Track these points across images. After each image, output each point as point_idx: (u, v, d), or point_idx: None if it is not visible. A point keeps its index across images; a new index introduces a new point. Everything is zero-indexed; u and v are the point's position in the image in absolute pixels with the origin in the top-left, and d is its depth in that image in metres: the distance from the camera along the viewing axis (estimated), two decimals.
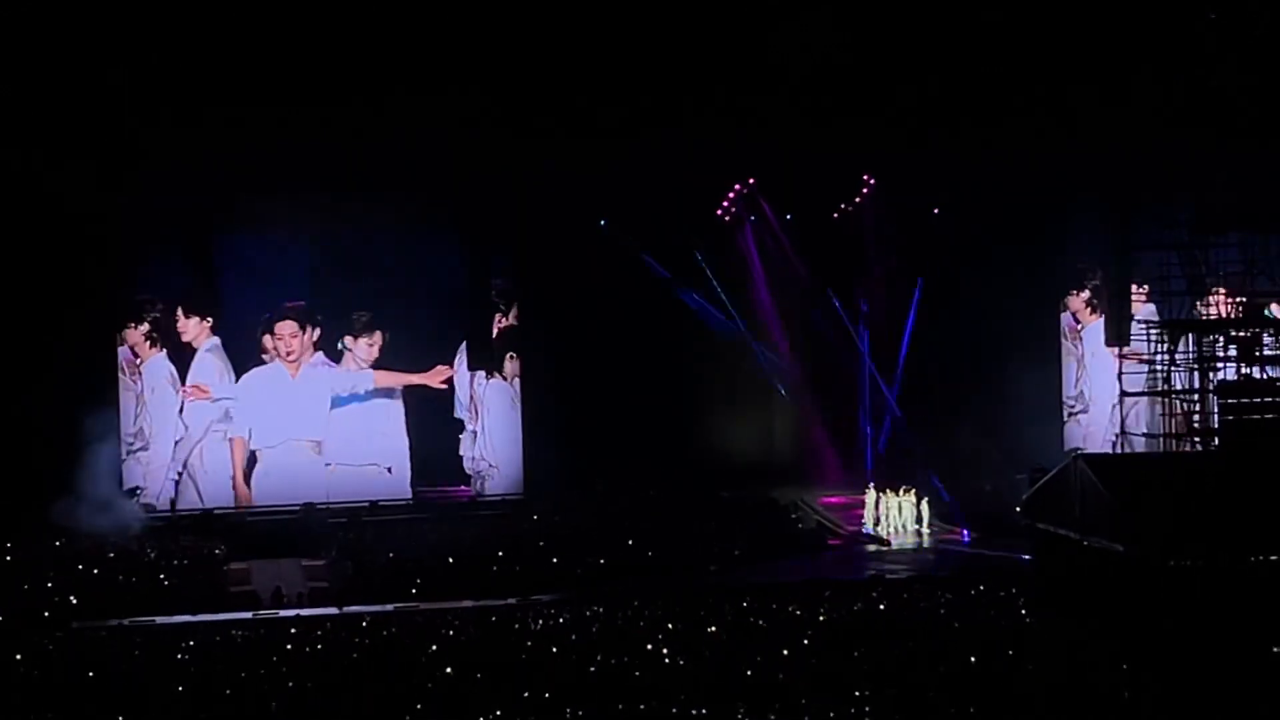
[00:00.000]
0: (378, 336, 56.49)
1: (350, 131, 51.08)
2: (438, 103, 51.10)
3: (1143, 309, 54.07)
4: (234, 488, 55.11)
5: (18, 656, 33.29)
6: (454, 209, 56.74)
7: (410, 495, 56.46)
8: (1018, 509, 43.41)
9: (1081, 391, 61.81)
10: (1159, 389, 47.05)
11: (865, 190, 60.56)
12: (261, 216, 55.50)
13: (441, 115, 51.32)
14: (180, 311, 54.87)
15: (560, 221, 57.04)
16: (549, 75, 51.71)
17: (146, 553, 47.42)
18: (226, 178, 52.02)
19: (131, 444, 54.31)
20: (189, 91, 49.43)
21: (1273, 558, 32.29)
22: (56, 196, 49.91)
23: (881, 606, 36.81)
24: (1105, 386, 57.06)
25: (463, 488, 57.58)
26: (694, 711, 27.39)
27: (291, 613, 40.21)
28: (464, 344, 57.70)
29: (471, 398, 57.78)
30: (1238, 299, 44.58)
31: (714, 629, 34.13)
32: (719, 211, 61.46)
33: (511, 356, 58.56)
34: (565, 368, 58.02)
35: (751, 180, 59.65)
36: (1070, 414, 61.84)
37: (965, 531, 52.02)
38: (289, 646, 33.66)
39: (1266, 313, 45.21)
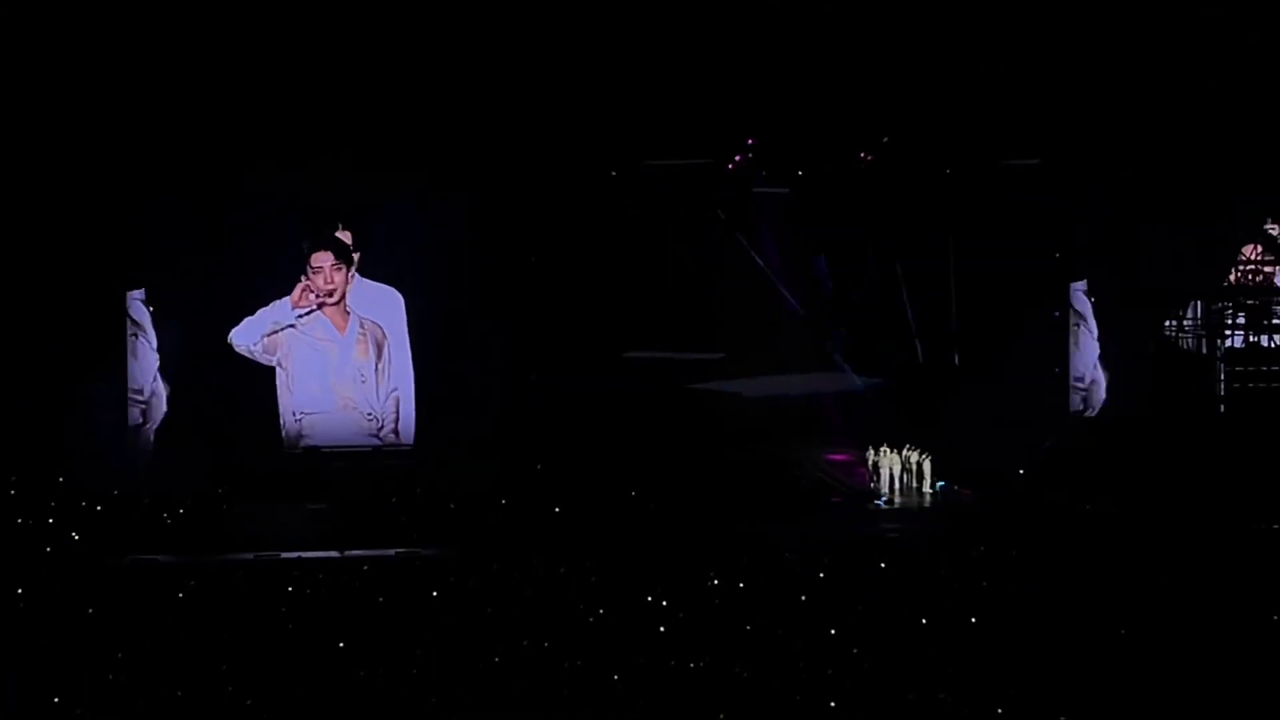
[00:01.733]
0: None
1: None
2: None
3: None
4: None
5: (19, 591, 33.35)
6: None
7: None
8: (1020, 472, 43.61)
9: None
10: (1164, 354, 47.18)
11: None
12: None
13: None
14: None
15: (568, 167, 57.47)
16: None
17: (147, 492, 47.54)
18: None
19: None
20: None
21: (1275, 526, 32.39)
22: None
23: (881, 565, 36.81)
24: None
25: None
26: (692, 665, 27.46)
27: (293, 554, 40.22)
28: None
29: None
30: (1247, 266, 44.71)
31: (714, 583, 34.16)
32: (730, 166, 61.43)
33: None
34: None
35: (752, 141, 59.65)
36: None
37: (971, 493, 52.06)
38: (290, 589, 33.69)
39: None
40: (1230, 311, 45.49)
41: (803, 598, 32.76)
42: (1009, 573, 35.89)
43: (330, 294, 54.67)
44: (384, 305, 55.55)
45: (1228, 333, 45.53)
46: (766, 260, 59.77)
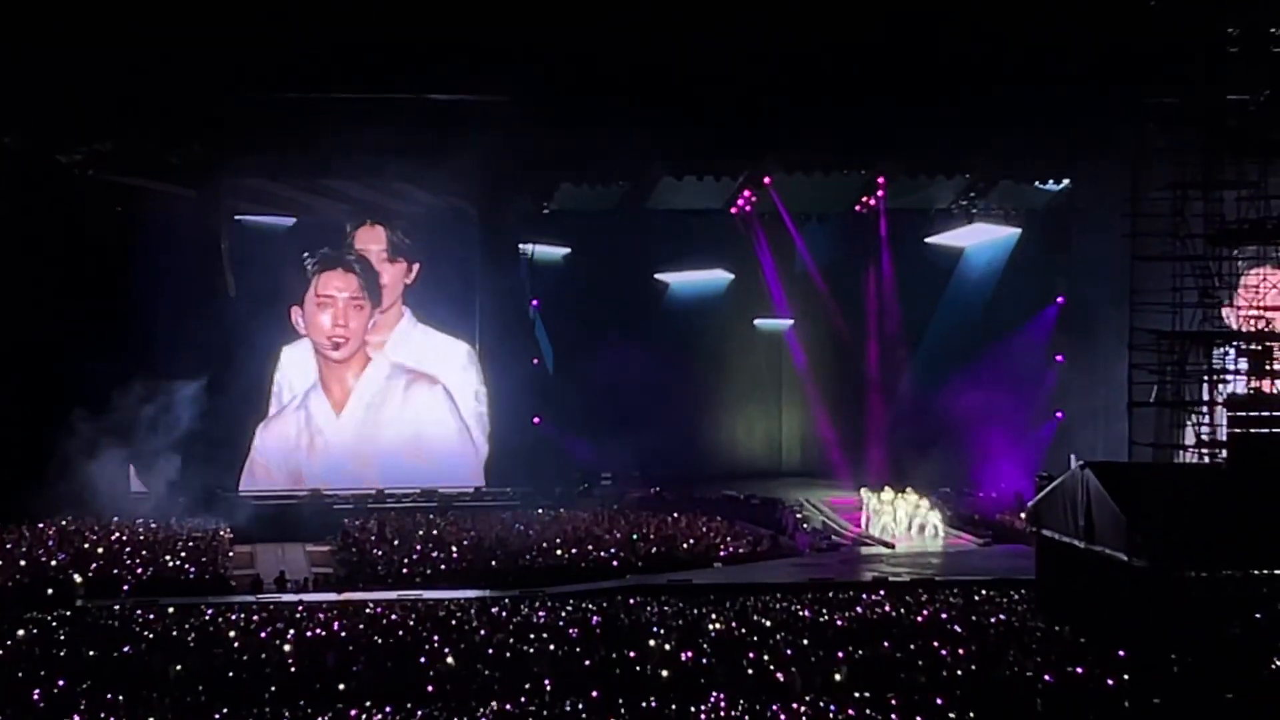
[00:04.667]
0: None
1: None
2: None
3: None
4: None
5: (20, 633, 33.33)
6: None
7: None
8: (1023, 515, 43.49)
9: None
10: (1168, 400, 47.03)
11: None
12: None
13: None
14: None
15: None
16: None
17: (152, 533, 47.58)
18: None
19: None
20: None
21: (1277, 572, 32.28)
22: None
23: (884, 608, 36.78)
24: None
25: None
26: (694, 708, 27.41)
27: (294, 597, 40.20)
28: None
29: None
30: (1249, 312, 44.59)
31: (717, 626, 34.12)
32: (733, 210, 61.65)
33: None
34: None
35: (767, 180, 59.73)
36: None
37: (972, 536, 52.06)
38: (291, 631, 33.67)
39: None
40: (1230, 356, 45.38)
41: (805, 640, 32.71)
42: (1011, 616, 35.89)
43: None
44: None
45: (1229, 378, 45.43)
46: None
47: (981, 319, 61.49)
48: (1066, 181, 60.05)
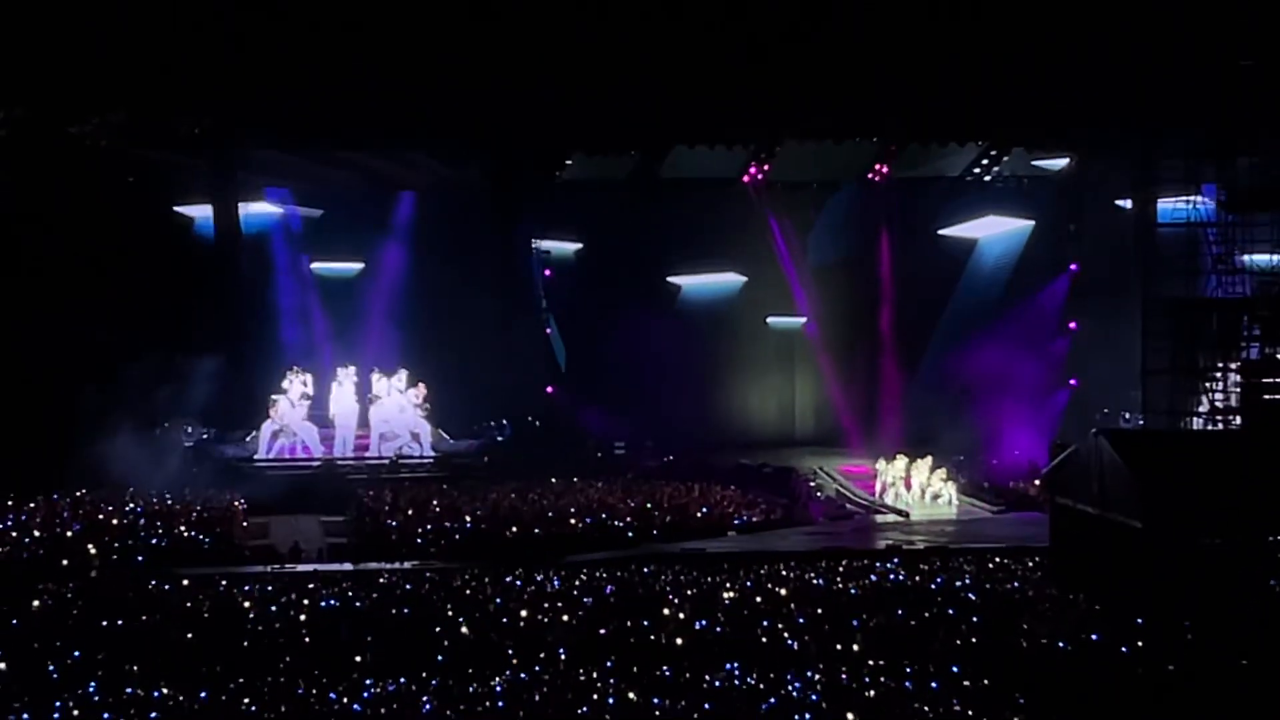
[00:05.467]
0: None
1: None
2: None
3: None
4: None
5: (35, 604, 33.37)
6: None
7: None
8: (1037, 483, 43.47)
9: None
10: (1183, 367, 46.96)
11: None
12: None
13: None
14: None
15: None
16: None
17: (166, 505, 47.64)
18: None
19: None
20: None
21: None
22: None
23: (898, 576, 36.75)
24: None
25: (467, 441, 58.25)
26: (708, 677, 27.40)
27: (308, 568, 40.23)
28: None
29: None
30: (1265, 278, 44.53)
31: (731, 595, 34.10)
32: (745, 179, 61.63)
33: None
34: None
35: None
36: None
37: (986, 504, 52.05)
38: (305, 601, 33.68)
39: None
40: (1245, 323, 45.30)
41: (820, 609, 32.69)
42: (1025, 584, 35.85)
43: None
44: None
45: (1243, 344, 45.34)
46: None
47: (995, 294, 61.62)
48: (1065, 162, 60.26)
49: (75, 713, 25.42)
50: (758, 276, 64.18)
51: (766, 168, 60.90)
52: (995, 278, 62.48)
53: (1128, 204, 59.40)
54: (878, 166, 61.28)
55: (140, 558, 41.27)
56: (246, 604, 33.68)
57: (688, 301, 64.02)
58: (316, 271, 60.57)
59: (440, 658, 29.58)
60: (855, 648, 29.59)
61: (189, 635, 30.78)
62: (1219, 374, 45.76)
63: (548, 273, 60.59)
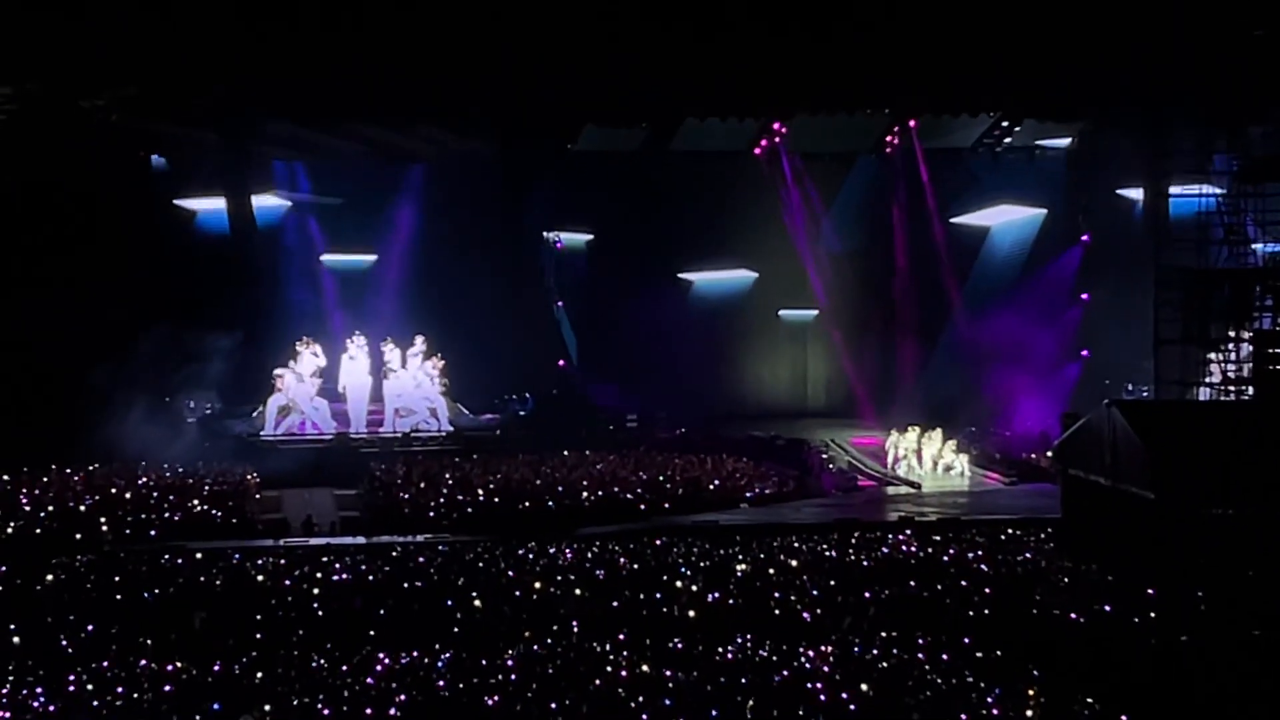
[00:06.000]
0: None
1: None
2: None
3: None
4: None
5: (49, 577, 33.45)
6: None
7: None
8: (1049, 454, 43.45)
9: None
10: (1195, 337, 46.95)
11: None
12: None
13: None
14: None
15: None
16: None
17: (179, 478, 47.72)
18: None
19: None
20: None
21: None
22: None
23: (910, 548, 36.75)
24: None
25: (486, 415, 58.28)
26: (720, 648, 27.44)
27: (321, 541, 40.28)
28: None
29: None
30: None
31: (743, 567, 34.12)
32: (756, 152, 61.60)
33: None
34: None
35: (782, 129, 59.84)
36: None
37: (998, 475, 52.04)
38: (318, 575, 33.74)
39: None
40: (1258, 294, 45.28)
41: (832, 581, 32.72)
42: (1037, 555, 35.85)
43: None
44: None
45: (1255, 314, 45.33)
46: None
47: (1010, 275, 61.76)
48: (1069, 141, 60.28)
49: (89, 685, 25.50)
50: (769, 272, 64.14)
51: (778, 140, 60.83)
52: (1010, 262, 62.47)
53: (1135, 194, 59.52)
54: (889, 139, 61.20)
55: (153, 532, 41.34)
56: (259, 577, 33.75)
57: (699, 298, 64.14)
58: (327, 264, 60.56)
59: (453, 630, 29.65)
60: (868, 619, 29.65)
61: (201, 609, 30.87)
62: (1231, 344, 45.76)
63: (560, 243, 60.64)
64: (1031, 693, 23.60)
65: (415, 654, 27.57)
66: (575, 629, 29.51)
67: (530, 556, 36.14)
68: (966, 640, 27.52)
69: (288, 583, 33.03)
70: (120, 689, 25.23)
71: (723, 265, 63.69)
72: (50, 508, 43.01)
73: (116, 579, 33.42)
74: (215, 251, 56.85)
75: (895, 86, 54.42)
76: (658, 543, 37.87)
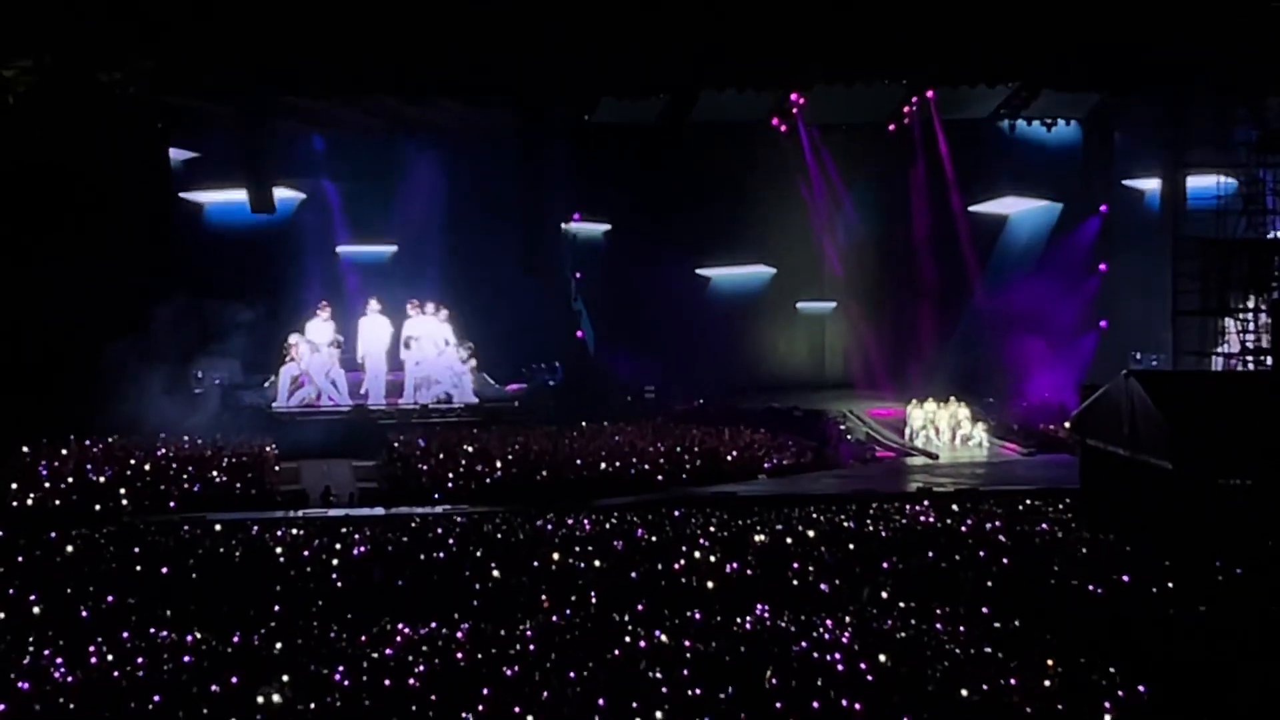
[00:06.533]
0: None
1: None
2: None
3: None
4: None
5: (68, 549, 33.53)
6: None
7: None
8: (1067, 424, 43.42)
9: None
10: (1213, 307, 46.91)
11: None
12: None
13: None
14: None
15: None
16: None
17: (198, 450, 47.80)
18: None
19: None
20: None
21: None
22: None
23: (928, 519, 36.76)
24: None
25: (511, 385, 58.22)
26: (739, 619, 27.46)
27: (340, 512, 40.35)
28: None
29: None
30: None
31: (761, 538, 34.14)
32: (775, 121, 61.51)
33: None
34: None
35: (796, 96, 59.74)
36: None
37: (1016, 446, 52.02)
38: (337, 545, 33.80)
39: None
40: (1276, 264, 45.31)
41: (850, 551, 32.75)
42: (1056, 526, 35.83)
43: None
44: None
45: (1275, 284, 45.34)
46: None
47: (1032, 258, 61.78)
48: (1074, 123, 60.22)
49: (109, 656, 25.57)
50: (787, 266, 64.08)
51: (796, 111, 60.74)
52: (1030, 249, 62.35)
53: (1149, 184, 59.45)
54: (906, 110, 61.09)
55: (172, 503, 41.44)
56: (278, 549, 33.83)
57: (717, 292, 64.11)
58: (346, 254, 60.56)
59: (471, 601, 29.71)
60: (885, 590, 29.67)
61: (221, 580, 30.94)
62: (1250, 314, 45.72)
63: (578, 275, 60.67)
64: (1050, 663, 23.59)
65: (434, 625, 27.64)
66: (593, 600, 29.56)
67: (548, 527, 36.19)
68: (984, 611, 27.52)
69: (306, 554, 33.11)
70: (140, 659, 25.30)
71: (741, 261, 63.54)
72: (70, 479, 43.12)
73: (136, 550, 33.52)
74: (229, 238, 56.99)
75: (913, 55, 54.14)
76: (676, 514, 37.92)
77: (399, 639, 26.64)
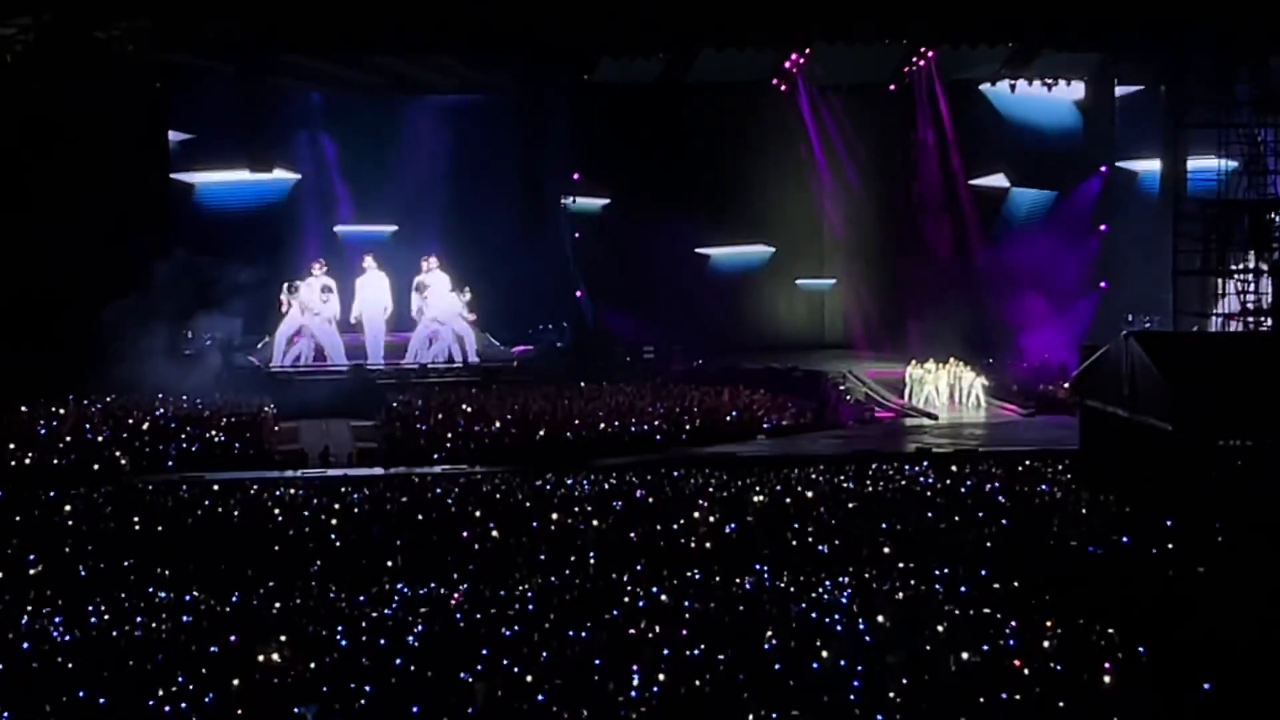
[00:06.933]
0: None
1: None
2: None
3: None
4: None
5: (67, 508, 33.53)
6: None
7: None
8: (1066, 385, 43.37)
9: None
10: (1213, 268, 46.81)
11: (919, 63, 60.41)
12: None
13: None
14: None
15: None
16: None
17: (197, 410, 47.74)
18: None
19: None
20: None
21: None
22: None
23: (927, 479, 36.75)
24: None
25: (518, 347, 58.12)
26: (737, 579, 27.48)
27: (338, 472, 40.33)
28: None
29: None
30: None
31: (760, 499, 34.14)
32: (775, 81, 61.33)
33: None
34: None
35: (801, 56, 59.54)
36: None
37: (1015, 406, 51.97)
38: (335, 505, 33.80)
39: None
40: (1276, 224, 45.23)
41: (849, 512, 32.76)
42: (1055, 487, 35.84)
43: None
44: None
45: (1275, 245, 45.25)
46: None
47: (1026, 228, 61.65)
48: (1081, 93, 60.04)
49: (107, 616, 25.59)
50: (786, 243, 63.92)
51: (796, 70, 60.55)
52: (1030, 219, 62.15)
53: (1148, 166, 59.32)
54: (906, 70, 60.89)
55: (170, 463, 41.45)
56: (276, 509, 33.83)
57: (716, 270, 63.97)
58: (341, 233, 60.41)
59: (470, 561, 29.71)
60: (884, 551, 29.68)
61: (220, 540, 30.95)
62: (1250, 275, 45.64)
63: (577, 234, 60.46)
64: (1049, 624, 23.60)
65: (432, 584, 27.65)
66: (592, 560, 29.57)
67: (547, 488, 36.22)
68: (984, 572, 27.54)
69: (305, 514, 33.12)
70: (139, 619, 25.32)
71: (740, 239, 63.36)
72: (68, 439, 43.11)
73: (134, 510, 33.52)
74: (227, 220, 56.97)
75: (913, 13, 53.92)
76: (675, 474, 37.95)
77: (397, 599, 26.66)
